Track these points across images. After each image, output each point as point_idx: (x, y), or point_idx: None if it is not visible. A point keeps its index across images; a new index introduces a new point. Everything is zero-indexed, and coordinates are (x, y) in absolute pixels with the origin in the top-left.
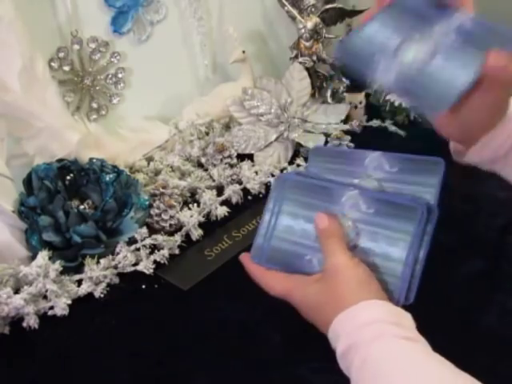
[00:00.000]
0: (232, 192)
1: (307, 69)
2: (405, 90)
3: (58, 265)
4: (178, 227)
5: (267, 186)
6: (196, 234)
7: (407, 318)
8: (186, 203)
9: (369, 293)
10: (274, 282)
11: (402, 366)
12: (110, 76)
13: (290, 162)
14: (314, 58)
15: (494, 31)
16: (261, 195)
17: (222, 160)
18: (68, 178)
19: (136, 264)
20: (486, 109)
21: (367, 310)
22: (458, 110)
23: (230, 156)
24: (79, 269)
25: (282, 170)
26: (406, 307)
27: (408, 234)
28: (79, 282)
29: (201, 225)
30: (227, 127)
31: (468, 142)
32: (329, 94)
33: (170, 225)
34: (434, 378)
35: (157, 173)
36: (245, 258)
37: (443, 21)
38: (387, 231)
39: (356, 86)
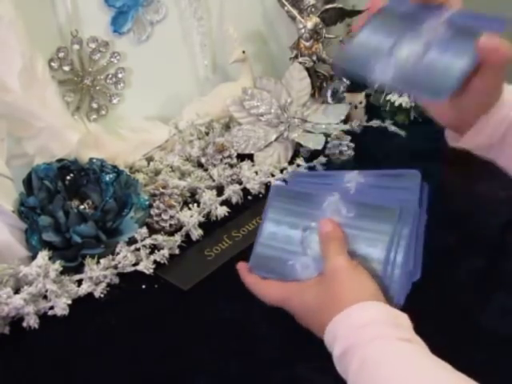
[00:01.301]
0: (232, 192)
1: (307, 69)
2: (404, 84)
3: (57, 265)
4: (178, 227)
5: (267, 186)
6: (196, 233)
7: (404, 319)
8: (185, 203)
9: (367, 294)
10: (269, 289)
11: (401, 369)
12: (109, 76)
13: (290, 162)
14: (314, 58)
15: (480, 18)
16: (261, 195)
17: (221, 160)
18: (68, 178)
19: (136, 264)
20: (479, 94)
21: (365, 311)
22: (456, 96)
23: (229, 156)
24: (79, 269)
25: (281, 170)
26: (405, 308)
27: (386, 234)
28: (79, 282)
29: (201, 225)
30: (227, 127)
31: (463, 129)
32: (329, 94)
33: (170, 225)
34: (431, 379)
35: (157, 173)
36: (241, 267)
37: (431, 18)
38: (366, 233)
39: (356, 86)
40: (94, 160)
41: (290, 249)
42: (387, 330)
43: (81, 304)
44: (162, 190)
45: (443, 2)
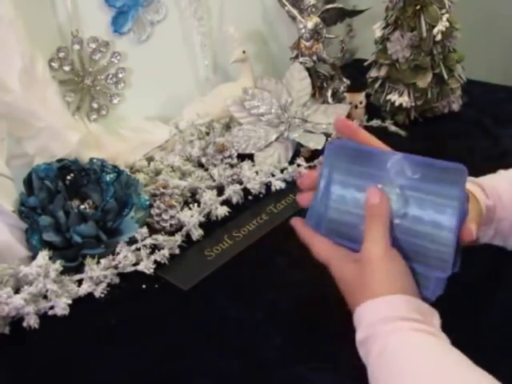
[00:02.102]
0: (232, 192)
1: (307, 69)
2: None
3: (58, 265)
4: (179, 227)
5: (267, 186)
6: (196, 233)
7: (432, 315)
8: (186, 203)
9: (398, 287)
10: (319, 247)
11: (417, 361)
12: (110, 76)
13: (291, 162)
14: (315, 58)
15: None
16: (261, 195)
17: (222, 160)
18: (68, 177)
19: (136, 264)
20: None
21: (391, 305)
22: None
23: (230, 156)
24: (79, 269)
25: (282, 170)
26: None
27: (454, 199)
28: (79, 282)
29: (201, 225)
30: (227, 127)
31: None
32: (329, 93)
33: (171, 225)
34: (447, 374)
35: (157, 173)
36: (297, 222)
37: (388, 159)
38: (434, 197)
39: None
40: (95, 160)
41: (359, 213)
42: (409, 323)
43: (81, 304)
44: (162, 190)
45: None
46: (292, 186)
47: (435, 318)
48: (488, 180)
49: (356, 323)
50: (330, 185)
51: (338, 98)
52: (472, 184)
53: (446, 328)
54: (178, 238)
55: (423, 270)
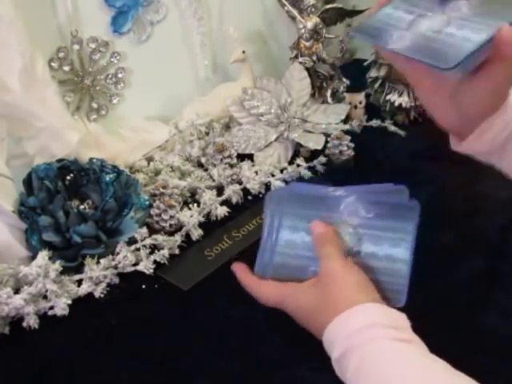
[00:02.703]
0: (232, 192)
1: (307, 69)
2: (417, 53)
3: (57, 265)
4: (178, 227)
5: (267, 186)
6: (196, 233)
7: (403, 319)
8: (186, 203)
9: (364, 296)
10: (267, 291)
11: (398, 369)
12: (109, 76)
13: (290, 162)
14: (314, 58)
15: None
16: (261, 195)
17: (222, 160)
18: (68, 178)
19: (136, 264)
20: (485, 94)
21: (362, 314)
22: (461, 92)
23: (229, 156)
24: (79, 269)
25: (281, 170)
26: (405, 308)
27: (408, 232)
28: (79, 282)
29: (201, 225)
30: (227, 127)
31: (465, 134)
32: (329, 93)
33: (170, 225)
34: (428, 379)
35: (157, 173)
36: (238, 267)
37: (342, 202)
38: (389, 233)
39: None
40: (94, 160)
41: (309, 255)
42: (384, 331)
43: (81, 304)
44: (162, 190)
45: None
46: None
47: (406, 322)
48: None
49: (329, 343)
50: (278, 231)
51: (337, 98)
52: None
53: (445, 328)
54: (178, 238)
55: None
